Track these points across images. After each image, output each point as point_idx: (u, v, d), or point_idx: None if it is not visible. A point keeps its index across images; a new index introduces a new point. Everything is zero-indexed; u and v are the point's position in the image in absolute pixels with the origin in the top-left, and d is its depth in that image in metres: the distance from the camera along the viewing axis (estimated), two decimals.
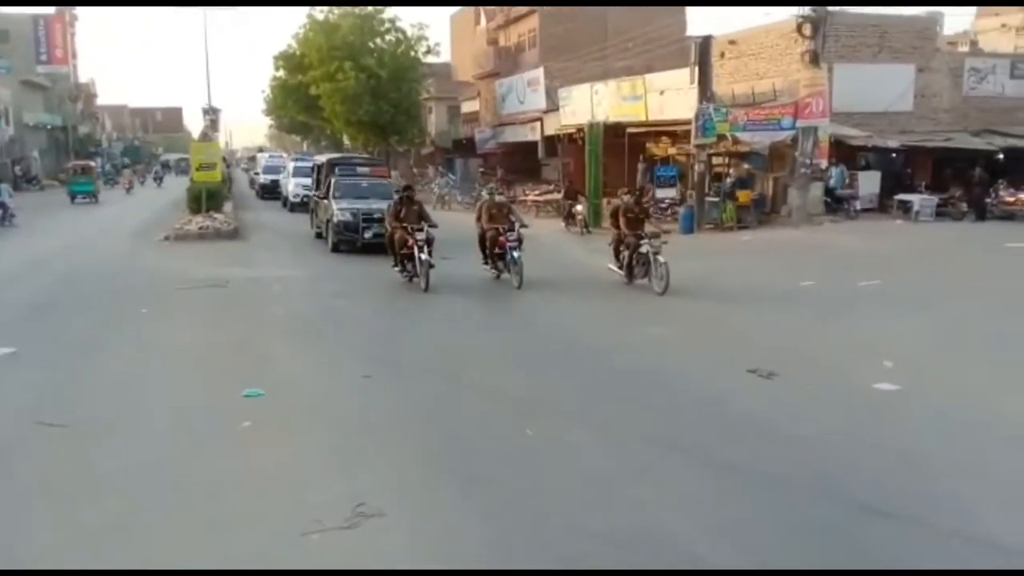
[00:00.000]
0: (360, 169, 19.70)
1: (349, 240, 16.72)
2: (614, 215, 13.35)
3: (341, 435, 6.19)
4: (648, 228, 12.89)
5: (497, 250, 13.09)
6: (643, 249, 12.33)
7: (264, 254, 17.21)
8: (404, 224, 12.69)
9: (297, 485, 5.21)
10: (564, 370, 8.11)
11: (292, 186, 28.00)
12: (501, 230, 13.01)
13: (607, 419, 6.56)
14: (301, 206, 25.23)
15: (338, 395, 7.23)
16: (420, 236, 12.34)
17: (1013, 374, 7.78)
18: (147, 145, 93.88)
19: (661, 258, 12.04)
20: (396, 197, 14.28)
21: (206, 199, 21.93)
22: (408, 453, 5.78)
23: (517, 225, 13.18)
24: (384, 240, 13.92)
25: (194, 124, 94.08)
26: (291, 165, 29.91)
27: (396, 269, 13.12)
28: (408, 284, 12.79)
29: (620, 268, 12.98)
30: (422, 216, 13.07)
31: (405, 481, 5.29)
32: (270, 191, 33.85)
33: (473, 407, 6.91)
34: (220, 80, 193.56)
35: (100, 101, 77.37)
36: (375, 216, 16.07)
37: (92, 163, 40.74)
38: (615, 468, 5.54)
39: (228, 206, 25.20)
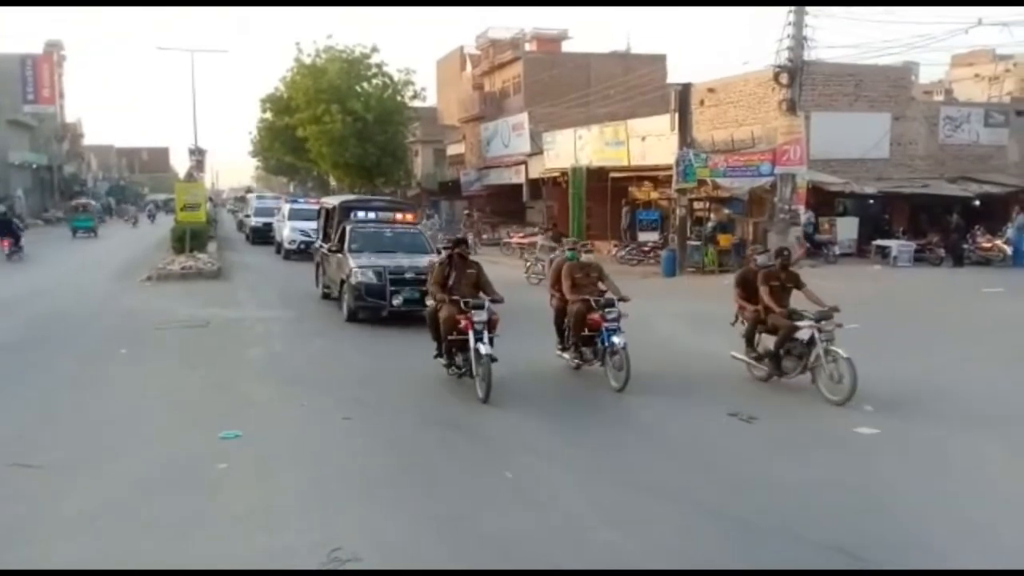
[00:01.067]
0: (383, 214, 15.34)
1: (372, 307, 12.94)
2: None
3: (319, 477, 6.15)
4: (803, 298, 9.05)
5: (585, 331, 9.36)
6: (803, 335, 8.59)
7: (246, 296, 17.16)
8: (454, 295, 8.87)
9: (271, 528, 5.17)
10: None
11: (288, 231, 25.75)
12: (593, 304, 9.25)
13: (584, 460, 6.56)
14: (297, 253, 24.07)
15: (316, 437, 7.20)
16: (479, 316, 8.49)
17: (992, 420, 7.85)
18: (133, 185, 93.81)
19: (841, 351, 8.22)
20: (443, 255, 10.10)
21: (190, 239, 21.93)
22: (386, 496, 5.75)
23: (615, 297, 9.35)
24: (422, 312, 10.32)
25: (181, 164, 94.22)
26: (286, 208, 27.62)
27: (441, 361, 9.15)
28: (457, 384, 8.92)
29: (758, 360, 9.27)
30: (480, 284, 9.24)
31: (382, 525, 5.26)
32: (262, 235, 31.11)
33: (453, 448, 6.89)
34: (207, 121, 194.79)
35: (87, 141, 77.49)
36: (406, 276, 12.72)
37: (92, 202, 45.41)
38: (589, 510, 5.54)
39: (212, 246, 25.19)
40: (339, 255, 14.05)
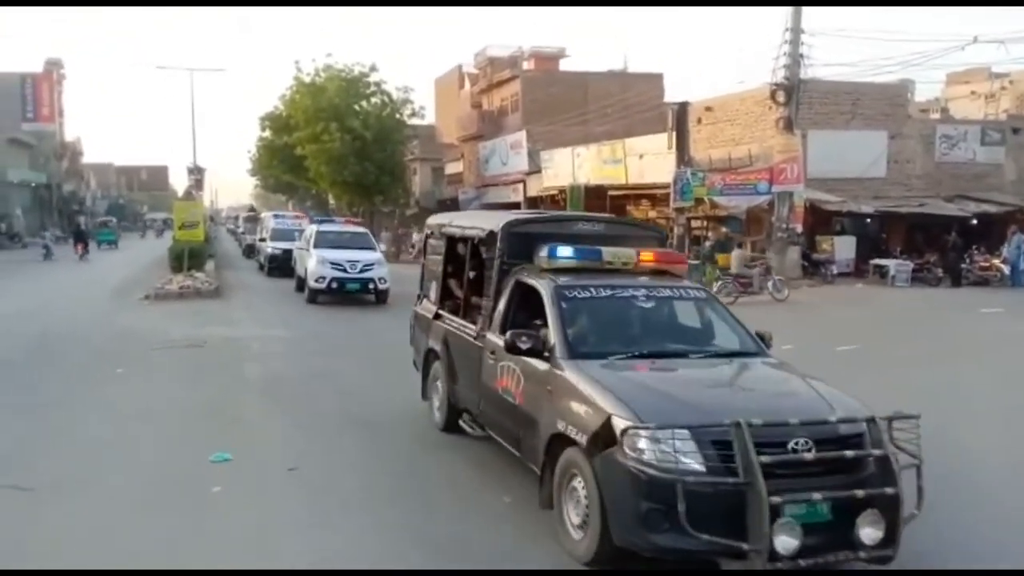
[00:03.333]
0: (619, 254, 6.44)
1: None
2: None
3: (313, 499, 6.09)
4: None
5: None
6: None
7: (244, 315, 17.12)
8: None
9: (264, 552, 5.11)
10: None
11: (315, 263, 18.28)
12: None
13: None
14: (327, 294, 18.29)
15: (311, 458, 7.13)
16: None
17: (992, 442, 7.80)
18: (132, 203, 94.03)
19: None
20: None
21: (188, 258, 21.90)
22: (381, 519, 5.69)
23: None
24: None
25: (180, 183, 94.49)
26: (311, 231, 20.67)
27: None
28: None
29: None
30: None
31: (377, 548, 5.20)
32: (281, 265, 24.57)
33: (451, 471, 6.83)
34: (206, 140, 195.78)
35: (86, 159, 77.70)
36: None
37: (113, 219, 57.45)
38: None
39: (210, 265, 25.16)
40: (527, 360, 5.76)
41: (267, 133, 43.80)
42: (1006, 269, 21.06)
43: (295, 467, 6.71)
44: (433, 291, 8.29)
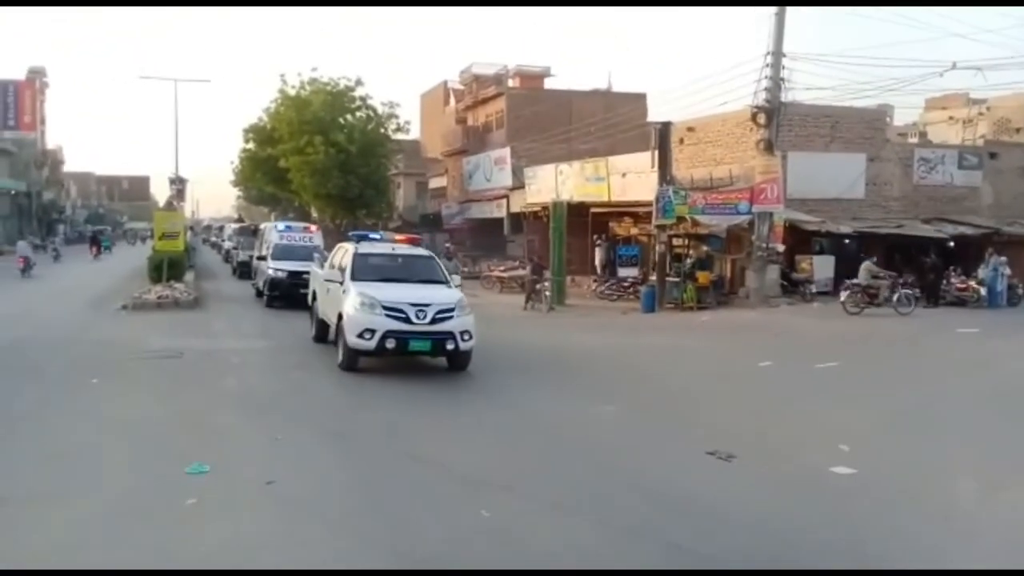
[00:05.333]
0: None
1: None
2: None
3: (290, 513, 6.04)
4: None
5: None
6: None
7: (223, 326, 16.99)
8: None
9: (236, 566, 5.05)
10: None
11: (359, 308, 11.30)
12: None
13: (561, 499, 6.50)
14: (378, 354, 11.34)
15: (287, 471, 7.08)
16: None
17: (967, 458, 7.88)
18: (112, 213, 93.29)
19: None
20: None
21: (167, 268, 21.75)
22: (358, 533, 5.66)
23: None
24: None
25: (161, 193, 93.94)
26: (347, 252, 13.19)
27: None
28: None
29: None
30: None
31: (355, 562, 5.16)
32: (286, 294, 19.19)
33: (429, 485, 6.80)
34: (189, 150, 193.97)
35: (67, 167, 77.14)
36: None
37: (108, 228, 63.18)
38: (565, 550, 5.48)
39: (190, 276, 24.98)
40: None
41: (251, 145, 43.65)
42: (983, 290, 21.33)
43: (272, 480, 6.66)
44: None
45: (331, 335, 12.90)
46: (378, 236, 14.30)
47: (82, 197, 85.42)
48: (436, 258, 13.07)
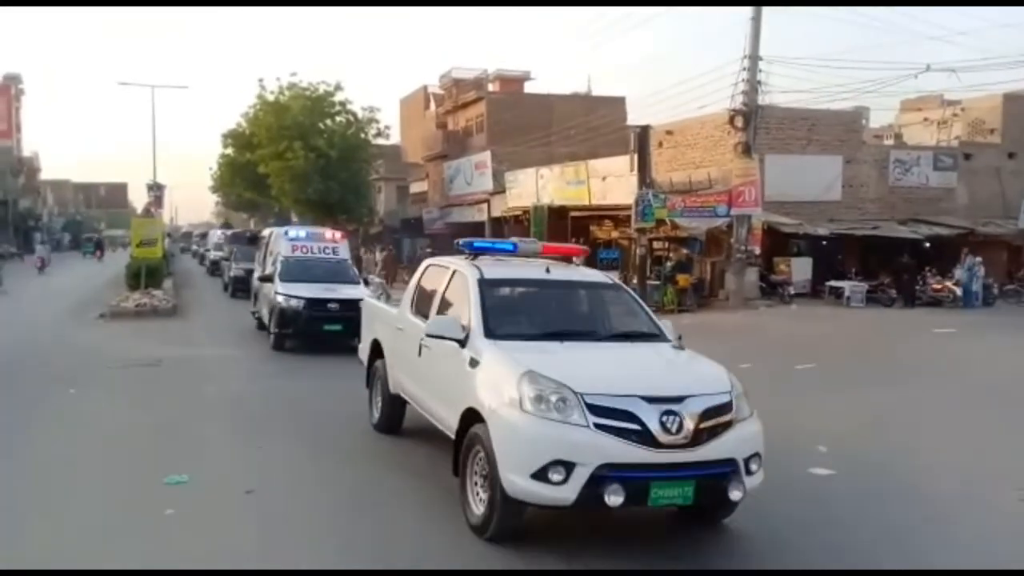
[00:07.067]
0: None
1: None
2: None
3: (269, 523, 6.02)
4: None
5: None
6: None
7: (202, 334, 16.88)
8: None
9: None
10: None
11: (534, 411, 5.21)
12: None
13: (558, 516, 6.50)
14: (579, 508, 5.40)
15: (268, 481, 7.05)
16: None
17: (944, 458, 7.97)
18: (89, 220, 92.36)
19: None
20: None
21: (145, 276, 21.59)
22: (338, 544, 5.65)
23: None
24: None
25: (139, 200, 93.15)
26: (468, 281, 6.71)
27: None
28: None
29: None
30: None
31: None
32: (303, 330, 14.15)
33: (411, 495, 6.79)
34: (167, 157, 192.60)
35: (44, 175, 76.33)
36: None
37: (97, 235, 65.64)
38: (554, 559, 5.48)
39: (168, 283, 24.80)
40: None
41: (229, 150, 43.36)
42: (958, 291, 21.59)
43: (252, 489, 6.63)
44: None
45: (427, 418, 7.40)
46: (510, 247, 7.51)
47: (59, 205, 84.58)
48: (624, 287, 7.77)
